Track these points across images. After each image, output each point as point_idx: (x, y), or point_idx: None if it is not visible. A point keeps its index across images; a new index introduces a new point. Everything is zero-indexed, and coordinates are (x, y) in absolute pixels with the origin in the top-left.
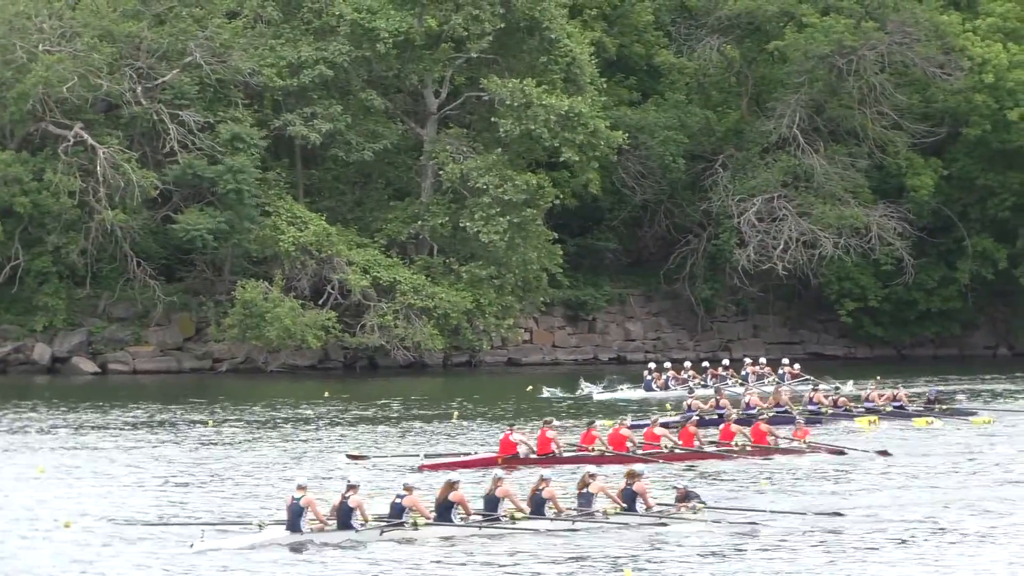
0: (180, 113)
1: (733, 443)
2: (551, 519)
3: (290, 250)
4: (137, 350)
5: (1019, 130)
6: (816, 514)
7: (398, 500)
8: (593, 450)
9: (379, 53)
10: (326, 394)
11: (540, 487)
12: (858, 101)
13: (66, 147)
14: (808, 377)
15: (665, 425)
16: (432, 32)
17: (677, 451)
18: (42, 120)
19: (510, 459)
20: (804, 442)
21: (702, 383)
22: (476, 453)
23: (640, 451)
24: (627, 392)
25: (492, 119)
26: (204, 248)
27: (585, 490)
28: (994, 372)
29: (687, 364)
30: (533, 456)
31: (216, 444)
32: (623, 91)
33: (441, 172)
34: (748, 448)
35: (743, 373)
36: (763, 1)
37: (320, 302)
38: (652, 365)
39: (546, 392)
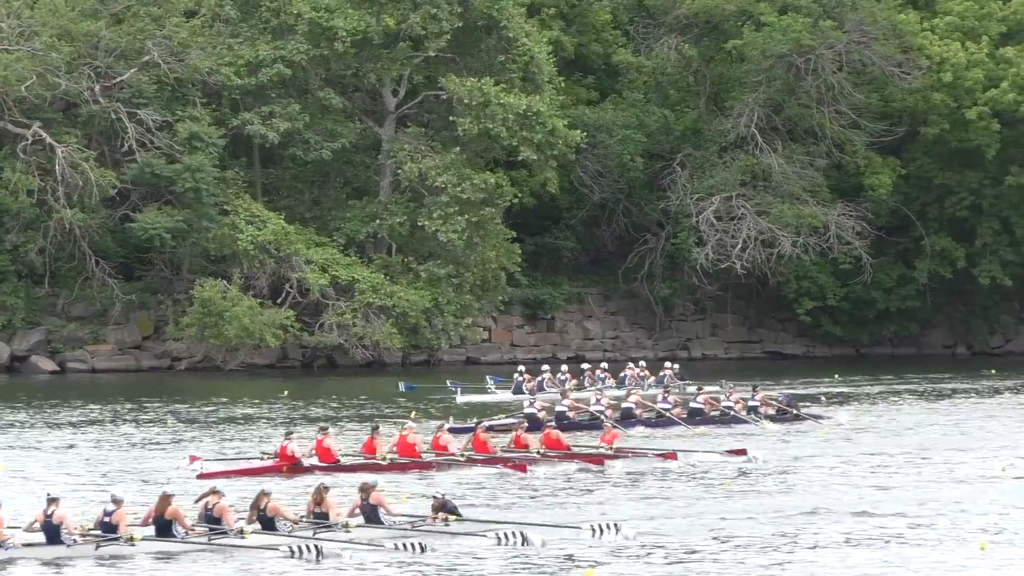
0: (138, 112)
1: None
2: (286, 535)
3: (248, 249)
4: (96, 349)
5: (977, 129)
6: (554, 526)
7: (107, 517)
8: (383, 459)
9: (337, 52)
10: (285, 392)
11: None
12: (816, 100)
13: (24, 146)
14: (690, 381)
15: (490, 428)
16: (390, 31)
17: (473, 458)
18: (0, 119)
19: (294, 467)
20: (611, 448)
21: (578, 386)
22: (264, 459)
23: (433, 458)
24: (496, 395)
25: (450, 118)
26: (162, 247)
27: (318, 508)
28: (952, 371)
29: (563, 368)
30: (318, 464)
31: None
32: (581, 90)
33: (399, 171)
34: (541, 454)
35: (621, 375)
36: (721, 0)
37: (279, 301)
38: (522, 367)
39: (402, 387)
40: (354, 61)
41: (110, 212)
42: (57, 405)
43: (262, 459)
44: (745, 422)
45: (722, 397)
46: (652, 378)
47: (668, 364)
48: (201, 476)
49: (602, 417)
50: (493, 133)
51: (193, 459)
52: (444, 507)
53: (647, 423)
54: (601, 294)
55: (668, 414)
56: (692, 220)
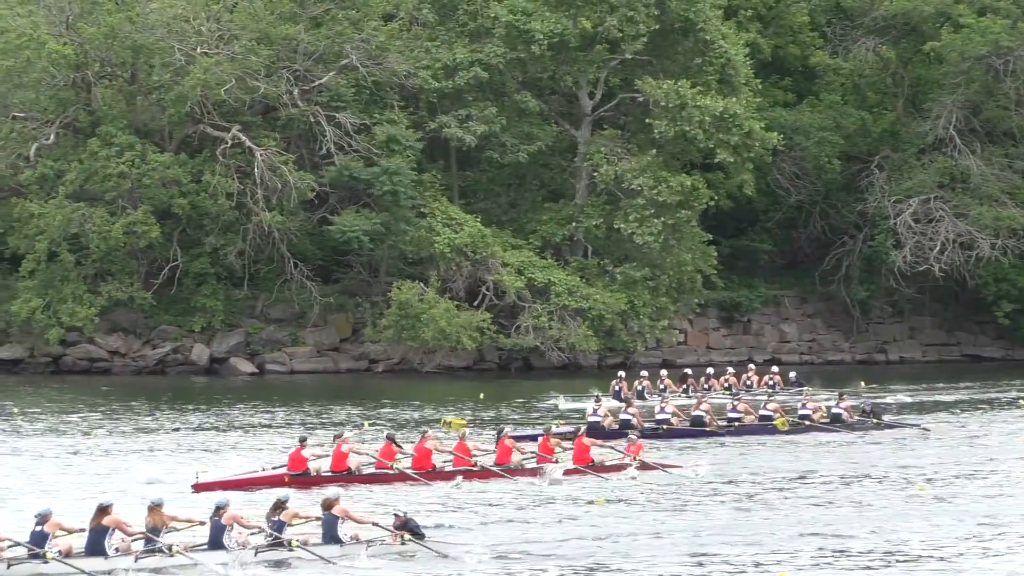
0: (336, 115)
1: (553, 459)
2: (228, 550)
3: (445, 252)
4: (294, 351)
5: None
6: (528, 549)
7: (38, 528)
8: (393, 468)
9: (534, 55)
10: (481, 395)
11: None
12: (1015, 102)
13: (224, 149)
14: (802, 388)
15: (560, 435)
16: (587, 34)
17: (489, 468)
18: (200, 122)
19: (299, 476)
20: (635, 459)
21: (681, 393)
22: (264, 469)
23: (450, 467)
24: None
25: (647, 120)
26: (360, 249)
27: (277, 517)
28: None
29: (663, 373)
30: (327, 474)
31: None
32: (778, 92)
33: (596, 174)
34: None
35: (746, 380)
36: (919, 2)
37: (475, 303)
38: (621, 373)
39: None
40: (550, 64)
41: (308, 215)
42: (257, 406)
43: (263, 469)
44: (819, 430)
45: (798, 405)
46: (760, 385)
47: (775, 368)
48: (197, 488)
49: (644, 426)
50: (689, 135)
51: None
52: (405, 526)
53: (717, 433)
54: (797, 296)
55: (736, 423)
56: (890, 222)
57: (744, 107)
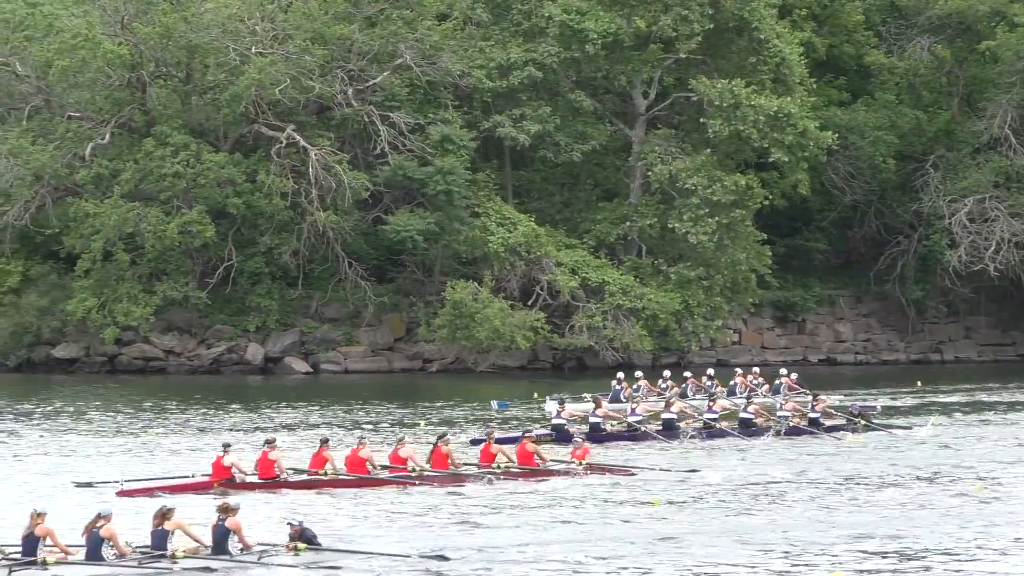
0: (390, 115)
1: (494, 464)
2: (110, 564)
3: (499, 251)
4: (348, 350)
5: None
6: (421, 556)
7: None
8: (326, 474)
9: (588, 54)
10: (535, 395)
11: (98, 524)
12: None
13: (278, 149)
14: (805, 390)
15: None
16: (641, 33)
17: (427, 474)
18: (255, 122)
19: (227, 483)
20: (581, 463)
21: (680, 394)
22: (193, 476)
23: (387, 474)
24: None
25: (701, 120)
26: (414, 249)
27: (160, 527)
28: None
29: (666, 374)
30: (254, 480)
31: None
32: (833, 91)
33: (650, 173)
34: (507, 470)
35: (731, 383)
36: (974, 1)
37: (529, 303)
38: (621, 375)
39: (495, 406)
40: (604, 63)
41: (363, 214)
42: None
43: (192, 476)
44: (800, 433)
45: (778, 405)
46: (767, 386)
47: (783, 372)
48: (121, 494)
49: (605, 429)
50: (744, 135)
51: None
52: (301, 536)
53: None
54: (852, 296)
55: (716, 425)
56: (944, 222)
57: (799, 106)
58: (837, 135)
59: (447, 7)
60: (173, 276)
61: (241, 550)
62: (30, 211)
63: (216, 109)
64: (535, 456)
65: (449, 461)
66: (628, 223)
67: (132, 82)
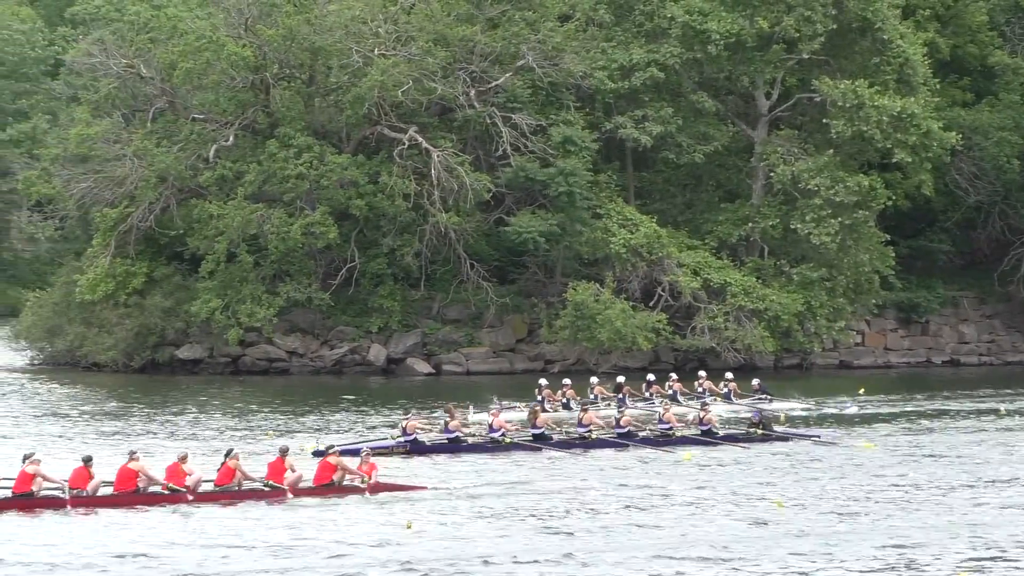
0: (512, 116)
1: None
2: None
3: (621, 252)
4: (470, 351)
5: None
6: None
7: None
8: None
9: (710, 55)
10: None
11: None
12: None
13: (401, 150)
14: (765, 396)
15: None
16: (763, 33)
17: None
18: (377, 123)
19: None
20: (366, 480)
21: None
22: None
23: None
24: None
25: (823, 120)
26: (536, 250)
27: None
28: None
29: (593, 380)
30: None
31: None
32: (956, 92)
33: (772, 174)
34: (298, 488)
35: (698, 387)
36: None
37: (651, 304)
38: (543, 382)
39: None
40: (727, 64)
41: (484, 216)
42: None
43: None
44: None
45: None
46: (717, 393)
47: (728, 375)
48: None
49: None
50: (867, 135)
51: None
52: None
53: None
54: (976, 297)
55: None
56: None
57: (922, 107)
58: (961, 136)
59: (569, 8)
60: (296, 277)
61: None
62: (154, 213)
63: (339, 111)
64: (333, 472)
65: (234, 478)
66: (750, 224)
67: (256, 84)
